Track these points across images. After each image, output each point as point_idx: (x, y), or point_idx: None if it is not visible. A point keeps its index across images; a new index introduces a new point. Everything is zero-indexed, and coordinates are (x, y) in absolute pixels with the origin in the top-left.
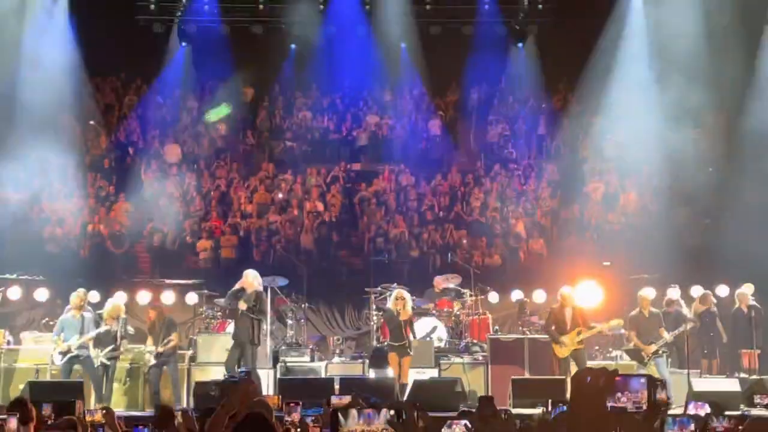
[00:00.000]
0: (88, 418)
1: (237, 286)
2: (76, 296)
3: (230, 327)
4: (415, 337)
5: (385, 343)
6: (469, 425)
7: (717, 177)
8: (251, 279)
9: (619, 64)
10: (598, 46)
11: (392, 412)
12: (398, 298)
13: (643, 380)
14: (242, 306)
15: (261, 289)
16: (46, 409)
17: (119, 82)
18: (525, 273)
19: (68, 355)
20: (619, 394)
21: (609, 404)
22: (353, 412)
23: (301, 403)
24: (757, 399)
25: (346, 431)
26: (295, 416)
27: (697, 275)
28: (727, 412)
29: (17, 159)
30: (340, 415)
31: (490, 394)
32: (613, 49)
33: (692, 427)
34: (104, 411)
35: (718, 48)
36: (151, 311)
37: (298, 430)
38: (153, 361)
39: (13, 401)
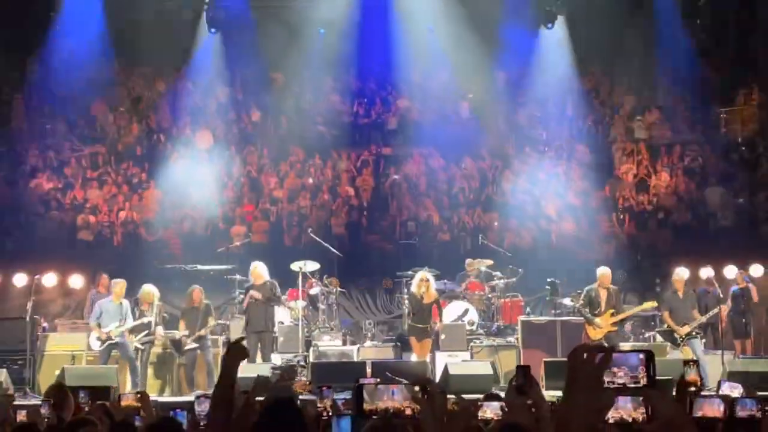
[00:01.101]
0: (123, 403)
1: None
2: (117, 286)
3: None
4: (441, 320)
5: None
6: (505, 408)
7: (749, 156)
8: (259, 271)
9: (648, 45)
10: (628, 25)
11: (417, 388)
12: (422, 281)
13: (641, 356)
14: (257, 295)
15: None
16: (82, 396)
17: (150, 69)
18: (557, 255)
19: (108, 343)
20: (616, 370)
21: (606, 381)
22: (378, 388)
23: (332, 386)
24: None
25: (370, 407)
26: (327, 401)
27: (730, 255)
28: (760, 393)
29: (51, 147)
30: (364, 391)
31: (527, 364)
32: (642, 28)
33: (722, 408)
34: (139, 395)
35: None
36: (197, 292)
37: (330, 413)
38: (190, 345)
39: (50, 387)
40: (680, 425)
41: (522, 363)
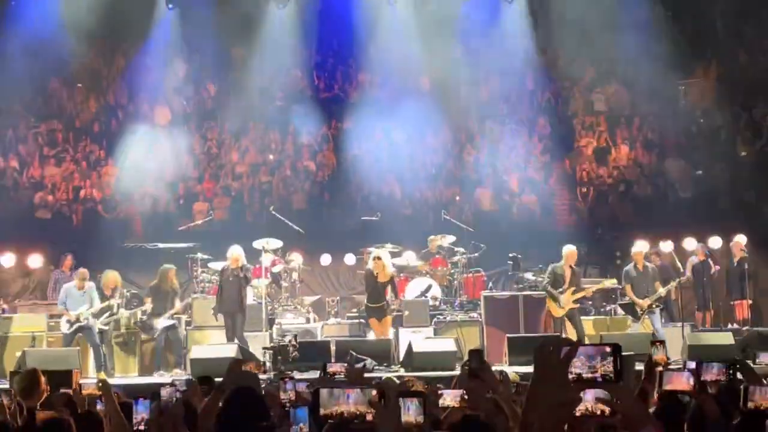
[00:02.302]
0: (84, 392)
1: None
2: (80, 274)
3: None
4: (396, 296)
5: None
6: (465, 395)
7: (708, 127)
8: (237, 254)
9: (608, 15)
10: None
11: (374, 392)
12: (375, 259)
13: (608, 349)
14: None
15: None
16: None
17: (107, 45)
18: (518, 229)
19: (76, 325)
20: (580, 364)
21: (571, 374)
22: (334, 392)
23: (294, 377)
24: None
25: (325, 413)
26: (290, 393)
27: (689, 227)
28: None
29: (6, 124)
30: (320, 395)
31: (479, 347)
32: (603, 1)
33: (691, 381)
34: (100, 384)
35: None
36: (171, 272)
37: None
38: (164, 323)
39: (24, 373)
40: (640, 420)
41: (485, 338)
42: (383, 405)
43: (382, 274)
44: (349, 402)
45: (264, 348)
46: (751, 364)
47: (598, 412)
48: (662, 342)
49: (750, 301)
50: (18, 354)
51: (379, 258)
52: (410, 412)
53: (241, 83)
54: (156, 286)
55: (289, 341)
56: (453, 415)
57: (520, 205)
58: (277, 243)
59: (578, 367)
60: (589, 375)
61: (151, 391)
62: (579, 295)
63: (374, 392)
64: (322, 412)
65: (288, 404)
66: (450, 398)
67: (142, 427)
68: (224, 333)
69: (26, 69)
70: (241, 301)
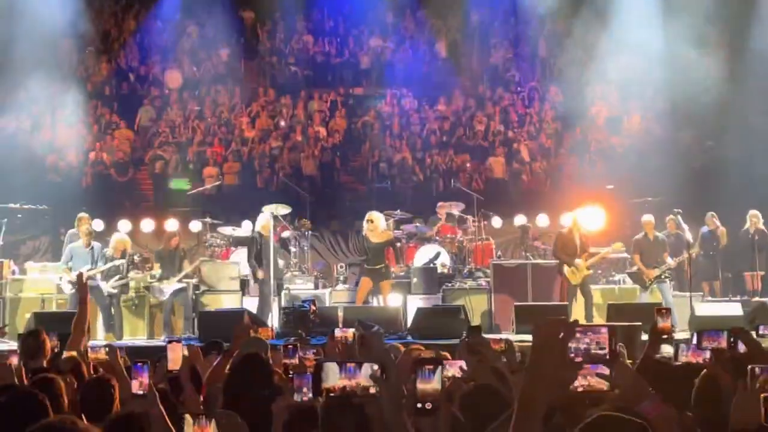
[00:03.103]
0: (91, 355)
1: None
2: (82, 224)
3: (235, 256)
4: (399, 261)
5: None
6: (465, 367)
7: (721, 98)
8: (266, 222)
9: None
10: None
11: (376, 367)
12: (366, 220)
13: (603, 330)
14: (261, 275)
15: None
16: (53, 341)
17: (118, 7)
18: (528, 197)
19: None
20: (578, 343)
21: (570, 353)
22: (334, 366)
23: (298, 345)
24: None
25: (327, 386)
26: (294, 360)
27: (700, 198)
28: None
29: (17, 86)
30: (323, 370)
31: (479, 323)
32: None
33: (707, 355)
34: (107, 348)
35: None
36: (175, 238)
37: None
38: (170, 290)
39: (27, 333)
40: (638, 395)
41: (493, 305)
42: (385, 379)
43: (374, 234)
44: (353, 376)
45: (283, 309)
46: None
47: (598, 388)
48: (668, 310)
49: (762, 273)
50: (27, 316)
51: (371, 220)
52: (427, 380)
53: (252, 47)
54: (162, 250)
55: (310, 306)
56: (454, 384)
57: (530, 173)
58: (286, 209)
59: (576, 345)
60: (586, 354)
61: (158, 356)
62: (593, 260)
63: (376, 366)
64: (324, 385)
65: (292, 371)
66: (452, 369)
67: (140, 392)
68: (232, 297)
69: (37, 29)
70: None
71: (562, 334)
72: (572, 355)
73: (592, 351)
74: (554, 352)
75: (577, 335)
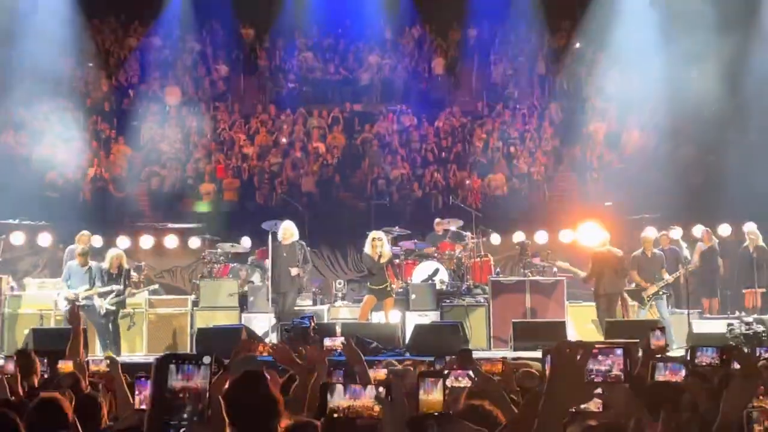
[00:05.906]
0: (93, 368)
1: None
2: (79, 244)
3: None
4: (397, 277)
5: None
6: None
7: (720, 114)
8: (292, 230)
9: (622, 1)
10: None
11: (381, 388)
12: (375, 240)
13: (619, 351)
14: (294, 272)
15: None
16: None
17: (118, 24)
18: (527, 214)
19: (75, 303)
20: (595, 366)
21: (588, 377)
22: (339, 387)
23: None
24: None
25: (332, 406)
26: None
27: (699, 214)
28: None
29: (17, 103)
30: (328, 391)
31: (468, 347)
32: None
33: (683, 372)
34: (108, 362)
35: None
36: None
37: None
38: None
39: (16, 352)
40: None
41: (491, 322)
42: (390, 401)
43: (383, 254)
44: (355, 396)
45: (284, 327)
46: None
47: (593, 408)
48: (662, 328)
49: (763, 290)
50: (26, 332)
51: (379, 239)
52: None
53: (252, 63)
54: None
55: (310, 322)
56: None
57: (530, 190)
58: None
59: (594, 366)
60: (602, 376)
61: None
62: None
63: (381, 388)
64: (329, 406)
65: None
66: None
67: (143, 406)
68: (228, 315)
69: (38, 46)
70: (292, 277)
71: (579, 356)
72: (591, 376)
73: (613, 373)
74: (573, 374)
75: (599, 357)
